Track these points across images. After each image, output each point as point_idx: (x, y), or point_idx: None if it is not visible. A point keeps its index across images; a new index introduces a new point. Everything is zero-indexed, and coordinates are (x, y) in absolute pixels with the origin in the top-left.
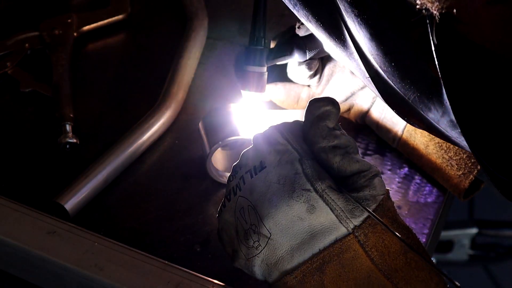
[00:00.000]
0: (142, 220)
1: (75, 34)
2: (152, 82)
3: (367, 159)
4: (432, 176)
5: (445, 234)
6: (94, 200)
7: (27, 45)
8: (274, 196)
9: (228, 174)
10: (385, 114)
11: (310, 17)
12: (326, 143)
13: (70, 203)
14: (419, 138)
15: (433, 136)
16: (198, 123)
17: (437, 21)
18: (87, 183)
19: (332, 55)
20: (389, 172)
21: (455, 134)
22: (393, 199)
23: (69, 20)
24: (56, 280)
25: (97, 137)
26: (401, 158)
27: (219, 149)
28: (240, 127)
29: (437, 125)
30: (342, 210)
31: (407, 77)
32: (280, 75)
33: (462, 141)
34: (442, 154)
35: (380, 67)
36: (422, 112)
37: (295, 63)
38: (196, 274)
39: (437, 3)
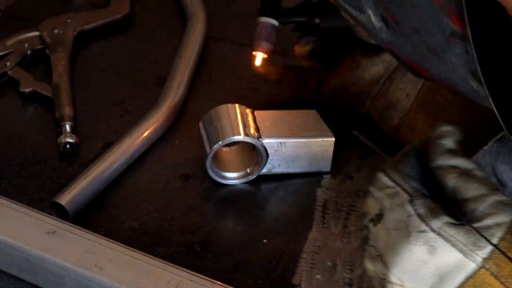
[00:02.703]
0: (142, 220)
1: (75, 34)
2: (152, 82)
3: (367, 159)
4: None
5: None
6: (94, 200)
7: (27, 45)
8: (395, 244)
9: (228, 174)
10: (390, 101)
11: None
12: (443, 160)
13: (70, 203)
14: (420, 124)
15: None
16: (199, 122)
17: None
18: (87, 183)
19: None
20: None
21: (470, 85)
22: None
23: (69, 20)
24: (56, 280)
25: (97, 137)
26: None
27: (220, 148)
28: (241, 127)
29: (452, 76)
30: (465, 244)
31: (423, 28)
32: None
33: (478, 93)
34: None
35: (394, 17)
36: (437, 61)
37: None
38: (196, 274)
39: None
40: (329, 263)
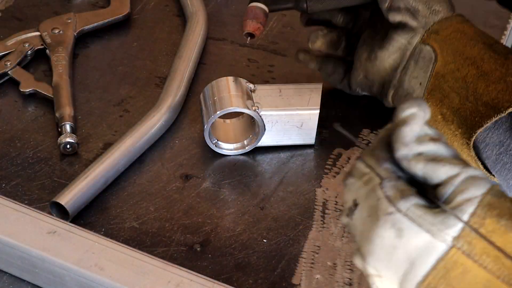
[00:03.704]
0: (142, 220)
1: (75, 34)
2: (152, 82)
3: None
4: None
5: None
6: (94, 200)
7: (27, 45)
8: (367, 231)
9: (226, 145)
10: (407, 90)
11: None
12: (406, 150)
13: (70, 203)
14: (432, 112)
15: None
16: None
17: None
18: (87, 183)
19: None
20: None
21: None
22: None
23: (69, 20)
24: (56, 280)
25: (97, 137)
26: None
27: (218, 120)
28: (239, 99)
29: None
30: (432, 223)
31: None
32: None
33: None
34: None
35: None
36: None
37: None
38: (196, 274)
39: None
40: (329, 263)
